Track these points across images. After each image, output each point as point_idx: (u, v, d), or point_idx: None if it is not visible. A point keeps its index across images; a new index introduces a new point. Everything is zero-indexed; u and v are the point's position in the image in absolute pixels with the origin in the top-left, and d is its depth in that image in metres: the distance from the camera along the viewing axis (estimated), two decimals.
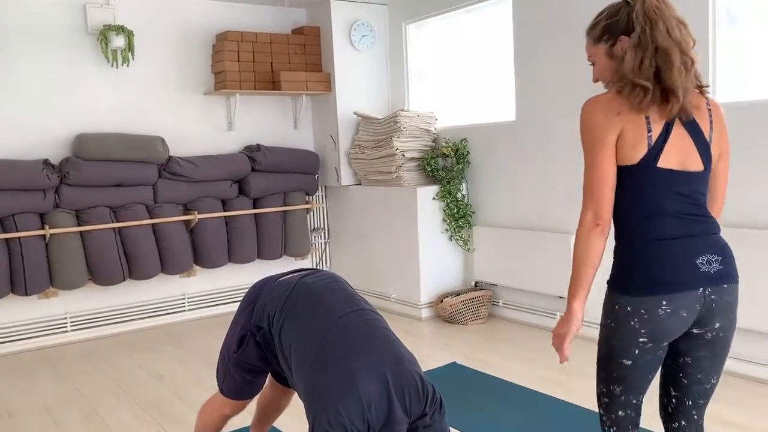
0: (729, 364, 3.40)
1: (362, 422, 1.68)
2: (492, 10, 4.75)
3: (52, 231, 4.39)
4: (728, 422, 2.89)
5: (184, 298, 5.18)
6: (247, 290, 2.25)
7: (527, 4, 4.38)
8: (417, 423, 1.79)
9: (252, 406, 2.57)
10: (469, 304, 4.68)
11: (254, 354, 2.10)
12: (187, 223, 4.98)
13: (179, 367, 4.01)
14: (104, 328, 4.83)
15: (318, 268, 2.26)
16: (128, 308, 4.94)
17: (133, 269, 4.75)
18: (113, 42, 4.56)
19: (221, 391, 2.26)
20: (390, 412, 1.72)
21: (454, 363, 3.81)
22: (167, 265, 4.90)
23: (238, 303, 5.60)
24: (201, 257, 5.08)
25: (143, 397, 3.53)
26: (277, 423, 2.81)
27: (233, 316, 2.24)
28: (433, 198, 4.85)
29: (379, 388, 1.72)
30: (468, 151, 4.84)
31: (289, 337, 1.92)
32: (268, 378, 2.40)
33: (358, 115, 5.33)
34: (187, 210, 5.01)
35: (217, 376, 2.28)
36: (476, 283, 4.93)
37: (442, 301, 4.73)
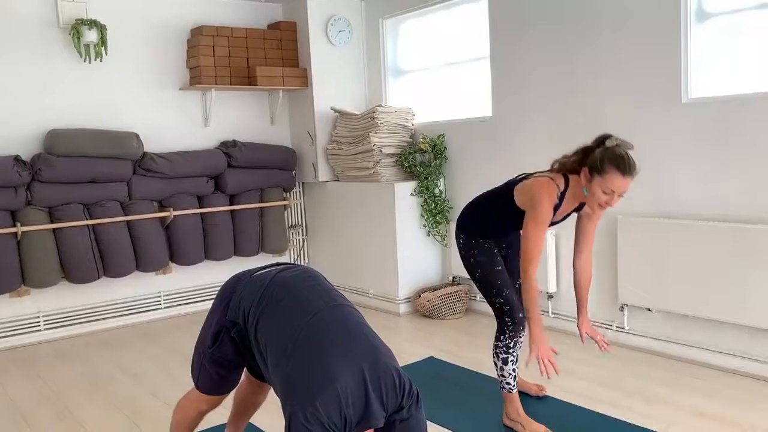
0: (699, 355, 3.45)
1: (339, 417, 1.68)
2: (468, 7, 4.77)
3: (24, 228, 4.31)
4: (703, 414, 2.94)
5: (159, 296, 5.12)
6: (221, 286, 2.22)
7: (503, 1, 4.40)
8: (394, 417, 1.79)
9: (229, 402, 2.56)
10: (447, 299, 4.70)
11: (229, 349, 2.08)
12: (162, 220, 4.93)
13: (154, 366, 3.97)
14: (78, 327, 4.76)
15: (295, 263, 2.23)
16: (103, 306, 4.88)
17: (107, 267, 4.68)
18: (86, 36, 4.49)
19: (196, 386, 2.24)
20: (367, 406, 1.72)
21: (432, 357, 3.82)
22: (142, 263, 4.84)
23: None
24: (177, 254, 5.03)
25: (118, 395, 3.49)
26: (255, 420, 2.79)
27: (208, 311, 2.22)
28: (411, 194, 4.86)
29: (356, 383, 1.71)
30: (445, 147, 4.86)
31: (265, 333, 1.90)
32: (244, 373, 2.39)
33: (335, 111, 5.31)
34: (162, 207, 4.96)
35: (192, 372, 2.26)
36: (454, 278, 4.95)
37: (420, 296, 4.74)
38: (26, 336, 4.56)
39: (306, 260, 5.87)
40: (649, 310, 3.69)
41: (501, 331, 2.87)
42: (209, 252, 5.19)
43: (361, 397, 1.71)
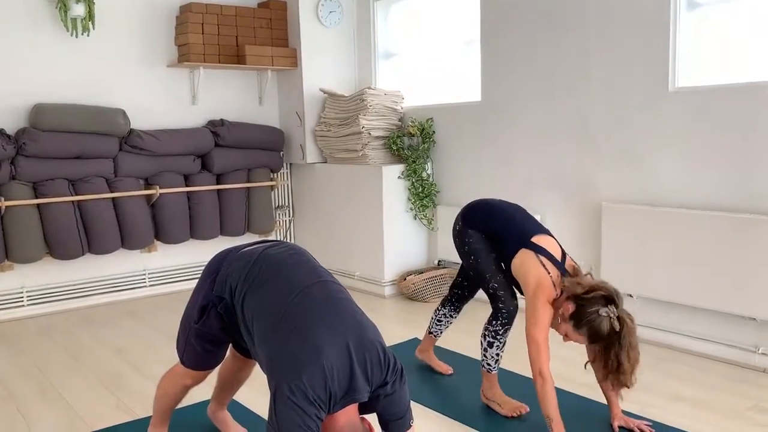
0: (678, 340, 3.51)
1: (324, 391, 1.70)
2: None
3: (8, 203, 4.28)
4: (680, 397, 3.00)
5: (144, 274, 5.11)
6: (208, 262, 2.23)
7: None
8: (378, 391, 1.82)
9: (213, 377, 2.58)
10: (432, 282, 4.73)
11: (215, 325, 2.09)
12: (148, 197, 4.90)
13: (139, 343, 3.97)
14: (62, 303, 4.74)
15: (282, 240, 2.25)
16: (87, 283, 4.86)
17: (92, 243, 4.66)
18: (73, 10, 4.42)
19: (182, 361, 2.25)
20: (351, 381, 1.75)
21: (416, 338, 3.85)
22: (127, 240, 4.82)
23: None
24: (162, 233, 5.01)
25: (102, 371, 3.49)
26: (239, 396, 2.81)
27: (194, 287, 2.23)
28: (399, 177, 4.87)
29: (341, 357, 1.73)
30: (434, 131, 4.87)
31: (252, 308, 1.92)
32: (229, 349, 2.40)
33: (324, 92, 5.29)
34: (148, 184, 4.93)
35: (177, 347, 2.27)
36: (439, 261, 4.98)
37: (405, 279, 4.77)
38: (9, 311, 4.54)
39: (292, 241, 5.87)
40: (630, 296, 3.74)
41: (494, 317, 2.88)
42: (195, 231, 5.18)
43: (346, 371, 1.74)
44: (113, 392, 3.20)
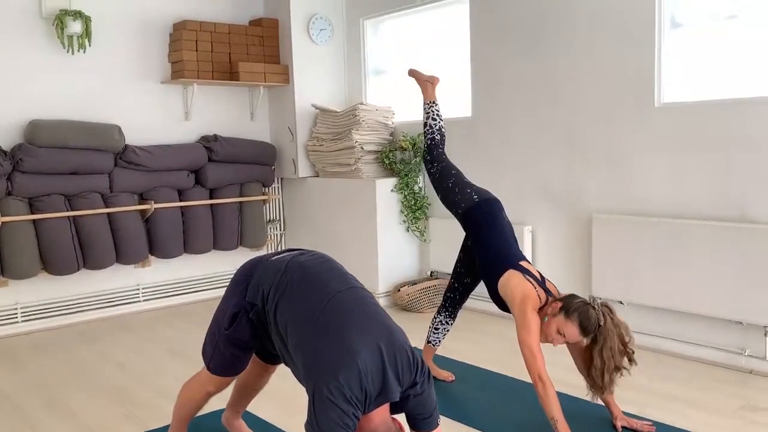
0: (668, 345, 3.65)
1: (360, 390, 1.78)
2: (449, 10, 4.91)
3: (4, 219, 4.28)
4: (676, 398, 3.14)
5: (138, 289, 5.12)
6: (236, 271, 2.30)
7: (484, 5, 4.56)
8: (408, 392, 1.91)
9: (227, 388, 2.63)
10: (425, 293, 4.83)
11: (246, 331, 2.16)
12: (142, 212, 4.94)
13: (139, 356, 3.99)
14: (55, 319, 4.73)
15: (309, 249, 2.33)
16: (81, 299, 4.86)
17: (87, 259, 4.67)
18: (70, 27, 4.47)
19: (208, 367, 2.31)
20: (384, 381, 1.83)
21: (414, 348, 3.94)
22: (122, 255, 4.84)
23: (193, 294, 5.59)
24: (156, 247, 5.04)
25: (106, 384, 3.51)
26: (253, 407, 2.86)
27: (223, 295, 2.29)
28: (391, 190, 4.97)
29: (374, 359, 1.82)
30: None
31: (285, 314, 1.99)
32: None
33: (316, 108, 5.39)
34: (143, 199, 4.96)
35: (203, 353, 2.33)
36: (432, 272, 5.08)
37: (399, 290, 4.86)
38: (2, 328, 4.52)
39: None
40: (621, 303, 3.88)
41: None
42: (188, 245, 5.21)
43: (379, 372, 1.82)
44: (122, 404, 3.23)
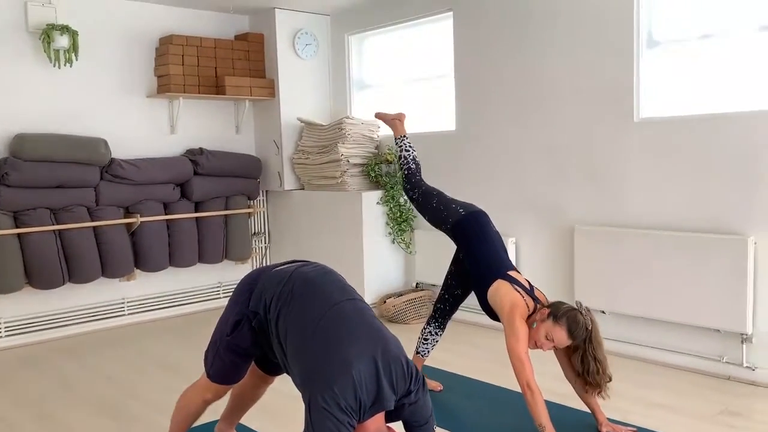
0: (649, 353, 3.75)
1: (355, 400, 1.84)
2: (433, 26, 5.01)
3: None
4: (657, 404, 3.23)
5: (123, 302, 5.11)
6: (240, 281, 2.35)
7: (468, 20, 4.67)
8: (403, 400, 1.97)
9: (221, 400, 2.66)
10: (411, 304, 4.90)
11: (248, 338, 2.21)
12: (128, 226, 4.94)
13: (128, 370, 3.99)
14: (39, 334, 4.70)
15: (312, 261, 2.39)
16: (65, 313, 4.84)
17: (72, 273, 4.66)
18: (57, 41, 4.48)
19: (208, 375, 2.34)
20: (379, 391, 1.89)
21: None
22: (108, 269, 4.84)
23: (179, 307, 5.57)
24: (142, 261, 5.04)
25: (97, 399, 3.50)
26: (248, 421, 2.88)
27: (227, 304, 2.33)
28: (377, 202, 5.04)
29: (369, 369, 1.88)
30: None
31: (285, 323, 2.05)
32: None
33: (302, 121, 5.45)
34: (128, 213, 4.97)
35: (205, 361, 2.37)
36: (417, 284, 5.15)
37: (385, 302, 4.92)
38: None
39: None
40: (603, 312, 3.98)
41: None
42: (174, 259, 5.22)
43: (373, 382, 1.88)
44: (114, 419, 3.23)
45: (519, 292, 2.89)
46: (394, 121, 3.70)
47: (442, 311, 3.44)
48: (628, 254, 3.83)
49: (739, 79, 3.53)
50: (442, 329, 3.49)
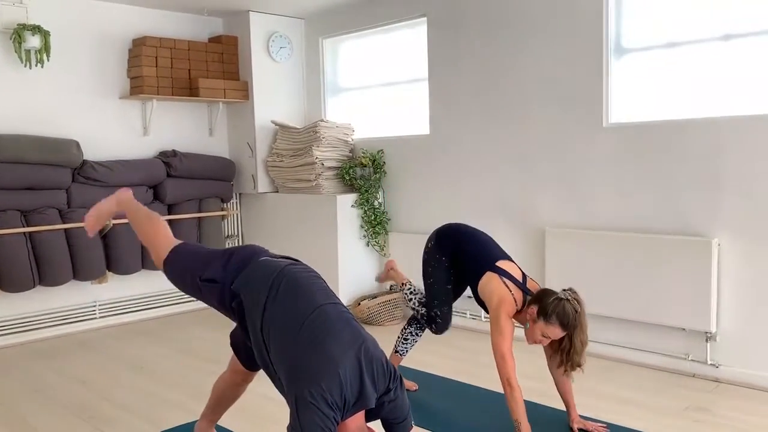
0: (618, 352, 3.84)
1: (340, 397, 1.88)
2: (407, 32, 5.08)
3: None
4: (627, 401, 3.33)
5: (95, 305, 5.06)
6: (232, 249, 2.40)
7: (442, 25, 4.74)
8: (383, 398, 2.01)
9: (202, 398, 2.68)
10: (385, 306, 4.94)
11: (214, 297, 2.28)
12: (101, 228, 4.88)
13: (101, 373, 3.96)
14: (10, 337, 4.63)
15: (300, 260, 2.42)
16: (35, 316, 4.77)
17: (44, 275, 4.60)
18: (28, 42, 4.43)
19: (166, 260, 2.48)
20: (362, 389, 1.93)
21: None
22: (80, 272, 4.79)
23: (151, 310, 5.49)
24: (114, 263, 4.99)
25: (69, 402, 3.47)
26: (225, 422, 2.89)
27: (206, 248, 2.52)
28: (352, 205, 5.08)
29: (353, 368, 1.92)
30: (384, 162, 5.13)
31: (270, 318, 2.07)
32: (231, 362, 2.52)
33: (276, 124, 5.47)
34: None
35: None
36: (391, 286, 5.19)
37: (359, 304, 4.95)
38: None
39: None
40: None
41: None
42: (147, 261, 5.17)
43: (357, 380, 1.92)
44: (87, 421, 3.21)
45: (507, 286, 2.90)
46: (389, 273, 3.69)
47: (430, 318, 3.36)
48: (597, 255, 3.93)
49: (704, 86, 3.66)
50: (422, 330, 3.53)
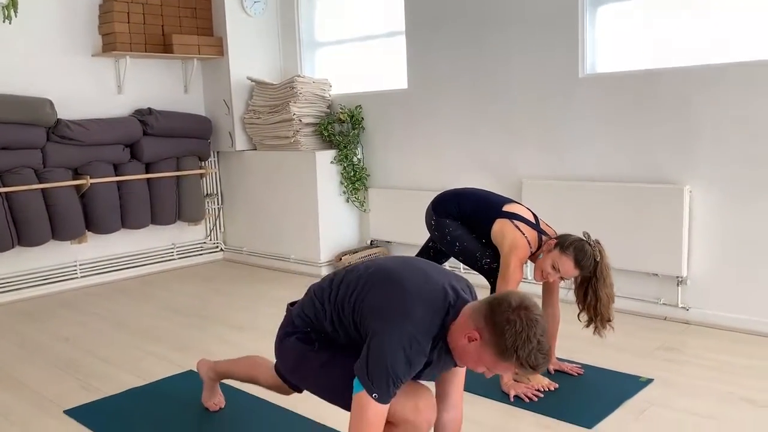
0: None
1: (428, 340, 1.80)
2: None
3: None
4: (601, 343, 3.45)
5: (75, 265, 5.06)
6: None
7: None
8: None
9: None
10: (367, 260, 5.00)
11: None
12: (78, 188, 4.86)
13: (84, 330, 3.99)
14: None
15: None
16: (17, 276, 4.77)
17: (22, 236, 4.59)
18: None
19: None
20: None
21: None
22: (58, 232, 4.77)
23: (132, 269, 5.41)
24: (93, 223, 4.98)
25: (56, 358, 3.50)
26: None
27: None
28: (331, 162, 5.09)
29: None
30: (363, 117, 5.13)
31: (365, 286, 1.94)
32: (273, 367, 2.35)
33: (252, 81, 5.42)
34: (77, 175, 4.88)
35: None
36: (372, 241, 5.26)
37: (340, 259, 5.01)
38: None
39: (222, 228, 5.97)
40: None
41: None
42: (126, 220, 5.17)
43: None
44: (74, 376, 3.25)
45: (519, 228, 2.81)
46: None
47: (491, 272, 3.05)
48: (572, 205, 4.01)
49: (676, 35, 3.70)
50: None
